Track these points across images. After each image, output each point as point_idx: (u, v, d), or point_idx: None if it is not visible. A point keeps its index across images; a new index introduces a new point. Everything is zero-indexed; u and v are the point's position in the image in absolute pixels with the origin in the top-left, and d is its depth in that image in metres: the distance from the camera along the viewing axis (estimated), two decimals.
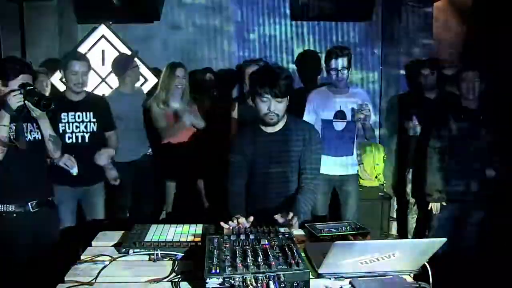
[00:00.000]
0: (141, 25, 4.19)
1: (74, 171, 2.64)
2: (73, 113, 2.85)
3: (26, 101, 2.17)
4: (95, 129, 2.92)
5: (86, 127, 2.89)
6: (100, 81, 4.05)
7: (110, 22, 4.04)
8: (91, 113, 2.91)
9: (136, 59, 3.58)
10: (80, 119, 2.87)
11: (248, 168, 2.20)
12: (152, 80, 4.04)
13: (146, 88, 3.92)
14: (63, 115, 2.81)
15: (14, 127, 2.21)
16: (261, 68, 2.22)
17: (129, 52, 3.83)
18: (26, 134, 2.27)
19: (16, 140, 2.19)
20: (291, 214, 1.91)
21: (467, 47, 4.19)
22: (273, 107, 2.04)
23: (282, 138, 2.16)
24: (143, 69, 3.91)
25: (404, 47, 4.05)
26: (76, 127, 2.86)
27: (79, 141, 2.86)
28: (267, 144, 2.15)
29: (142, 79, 4.00)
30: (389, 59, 4.29)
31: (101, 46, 4.05)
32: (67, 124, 2.82)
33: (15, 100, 2.14)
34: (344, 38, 4.35)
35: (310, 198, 2.16)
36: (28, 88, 2.18)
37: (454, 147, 2.91)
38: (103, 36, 4.04)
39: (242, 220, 1.93)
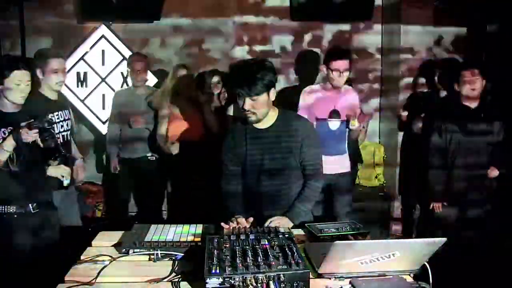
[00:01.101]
0: (141, 25, 4.19)
1: (67, 182, 2.52)
2: (57, 112, 2.77)
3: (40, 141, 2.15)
4: (72, 125, 2.91)
5: (68, 124, 2.86)
6: (100, 81, 4.06)
7: (110, 22, 4.05)
8: (68, 110, 2.89)
9: (140, 62, 3.54)
10: (63, 118, 2.82)
11: (241, 166, 2.16)
12: (152, 80, 4.05)
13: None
14: (50, 115, 2.66)
15: (14, 152, 2.17)
16: (238, 63, 2.09)
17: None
18: (24, 154, 2.22)
19: (12, 161, 2.16)
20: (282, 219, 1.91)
21: (468, 46, 4.19)
22: (247, 105, 1.95)
23: (273, 134, 2.08)
24: None
25: (404, 47, 4.05)
26: (61, 126, 2.81)
27: (66, 139, 2.80)
28: (258, 140, 2.09)
29: None
30: (389, 59, 4.29)
31: (101, 46, 4.06)
32: (55, 125, 2.66)
33: (27, 137, 2.12)
34: (344, 38, 4.35)
35: (308, 199, 2.13)
36: (46, 135, 2.15)
37: (456, 146, 2.91)
38: (103, 36, 4.05)
39: (241, 220, 1.93)
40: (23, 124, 2.13)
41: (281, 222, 1.96)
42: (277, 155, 2.09)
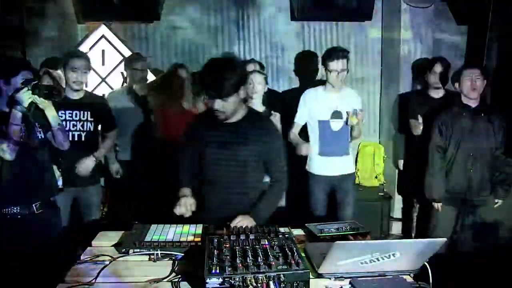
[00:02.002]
0: (141, 25, 4.19)
1: (59, 184, 2.61)
2: (70, 111, 2.83)
3: (35, 95, 2.16)
4: (92, 128, 2.91)
5: (83, 126, 2.88)
6: (100, 81, 4.06)
7: (110, 22, 4.05)
8: (89, 112, 2.89)
9: (140, 62, 3.54)
10: (77, 118, 2.86)
11: (198, 153, 2.16)
12: (151, 80, 4.04)
13: None
14: (61, 113, 2.74)
15: (24, 126, 2.20)
16: (209, 62, 2.01)
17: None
18: (37, 133, 2.27)
19: (27, 138, 2.19)
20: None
21: (467, 46, 4.19)
22: (217, 105, 1.97)
23: (236, 130, 2.10)
24: None
25: (404, 47, 4.05)
26: (73, 125, 2.84)
27: (75, 139, 2.83)
28: (221, 133, 2.10)
29: None
30: (389, 59, 4.29)
31: (101, 46, 4.06)
32: (64, 122, 2.76)
33: (26, 97, 2.13)
34: (344, 38, 4.35)
35: (270, 201, 2.13)
36: (33, 83, 2.17)
37: (456, 146, 2.90)
38: (103, 36, 4.05)
39: (187, 200, 1.97)
40: (11, 88, 2.17)
41: (245, 222, 1.93)
42: (238, 150, 2.10)
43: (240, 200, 2.11)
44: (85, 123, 2.89)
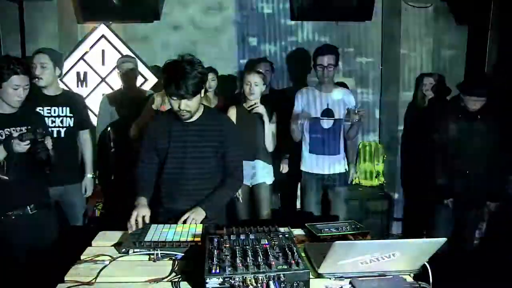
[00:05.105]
0: (141, 25, 4.20)
1: None
2: (49, 108, 2.79)
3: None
4: (71, 124, 2.88)
5: (62, 122, 2.85)
6: (100, 81, 4.06)
7: (110, 22, 4.05)
8: (68, 108, 2.86)
9: (129, 63, 3.52)
10: (56, 114, 2.83)
11: (158, 155, 2.18)
12: (152, 80, 4.05)
13: (146, 88, 3.93)
14: (39, 109, 2.71)
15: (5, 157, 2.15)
16: (169, 65, 2.04)
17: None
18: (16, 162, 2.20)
19: (3, 168, 2.14)
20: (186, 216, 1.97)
21: (468, 46, 4.19)
22: (183, 105, 2.01)
23: (197, 128, 2.14)
24: (143, 69, 3.91)
25: (403, 47, 4.06)
26: (52, 121, 2.81)
27: (55, 135, 2.78)
28: (181, 133, 2.13)
29: (142, 79, 4.01)
30: (389, 59, 4.29)
31: (101, 46, 4.06)
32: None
33: (19, 148, 2.10)
34: (344, 38, 4.36)
35: (222, 195, 2.18)
36: (38, 148, 2.12)
37: (455, 146, 2.91)
38: (103, 36, 4.05)
39: (142, 211, 1.95)
40: (15, 135, 2.13)
41: (196, 217, 1.98)
42: (198, 148, 2.14)
43: (199, 194, 2.15)
44: (64, 119, 2.85)
